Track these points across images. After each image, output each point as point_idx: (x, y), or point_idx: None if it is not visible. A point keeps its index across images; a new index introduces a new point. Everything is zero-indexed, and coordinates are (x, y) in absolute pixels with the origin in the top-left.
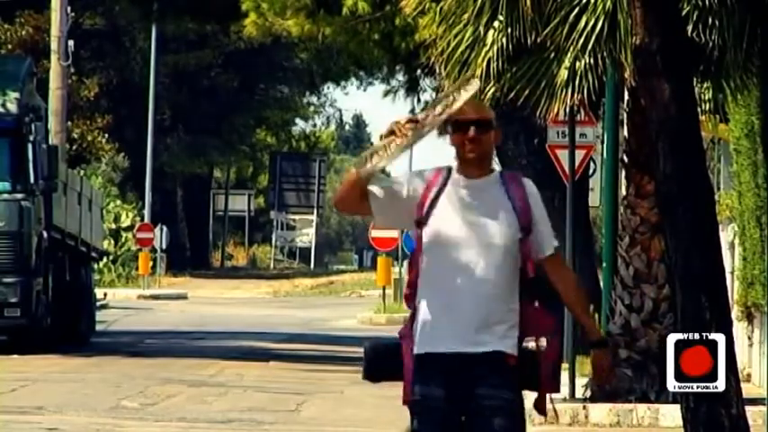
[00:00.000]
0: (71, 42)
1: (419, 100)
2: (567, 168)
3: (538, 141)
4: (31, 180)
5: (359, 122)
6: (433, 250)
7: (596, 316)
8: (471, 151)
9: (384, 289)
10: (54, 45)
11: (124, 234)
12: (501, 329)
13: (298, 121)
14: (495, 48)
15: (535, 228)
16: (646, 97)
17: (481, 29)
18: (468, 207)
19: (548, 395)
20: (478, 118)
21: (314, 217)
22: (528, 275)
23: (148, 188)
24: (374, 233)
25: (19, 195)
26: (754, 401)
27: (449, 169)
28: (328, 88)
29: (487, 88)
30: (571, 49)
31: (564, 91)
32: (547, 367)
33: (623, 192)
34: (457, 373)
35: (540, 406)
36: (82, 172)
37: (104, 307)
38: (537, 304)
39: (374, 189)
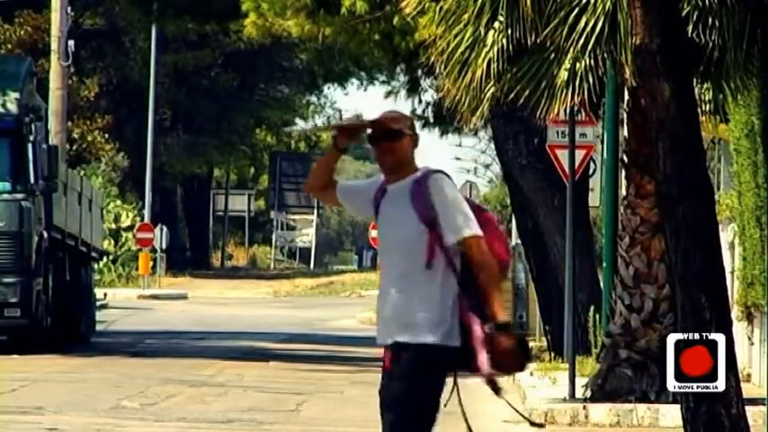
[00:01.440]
0: (71, 42)
1: (420, 100)
2: (567, 168)
3: (538, 141)
4: (32, 180)
5: None
6: (380, 253)
7: (596, 316)
8: (383, 162)
9: None
10: (54, 45)
11: (124, 234)
12: (418, 323)
13: (297, 121)
14: (496, 48)
15: (437, 220)
16: (646, 97)
17: (481, 29)
18: (385, 214)
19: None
20: (387, 129)
21: (314, 217)
22: (455, 267)
23: (148, 188)
24: (374, 233)
25: (19, 195)
26: (754, 401)
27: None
28: (328, 89)
29: (487, 88)
30: (571, 49)
31: (564, 91)
32: (478, 351)
33: (623, 192)
34: (388, 365)
35: (490, 387)
36: (82, 172)
37: (104, 307)
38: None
39: (339, 181)
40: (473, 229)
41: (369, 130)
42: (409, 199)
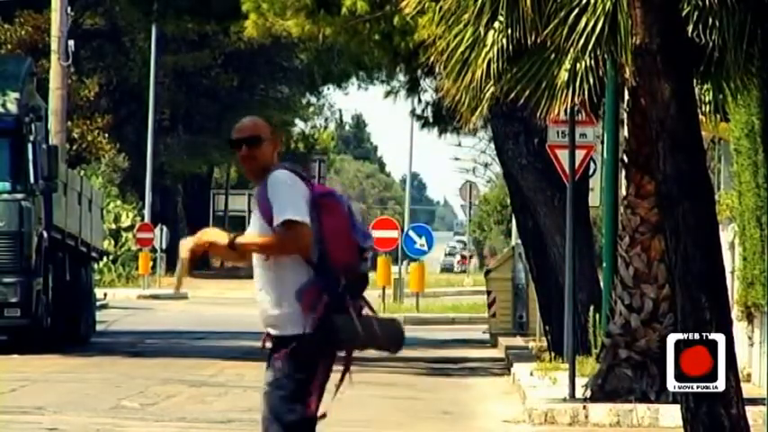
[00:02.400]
0: (71, 42)
1: (420, 100)
2: (567, 168)
3: (538, 141)
4: (31, 180)
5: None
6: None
7: (596, 316)
8: (245, 167)
9: (384, 289)
10: (54, 45)
11: (124, 234)
12: (276, 317)
13: (297, 121)
14: (496, 48)
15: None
16: (646, 97)
17: (481, 29)
18: (252, 216)
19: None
20: (247, 136)
21: None
22: (311, 261)
23: (148, 188)
24: (374, 233)
25: (19, 195)
26: (754, 401)
27: None
28: (328, 89)
29: (487, 88)
30: (571, 49)
31: (564, 92)
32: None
33: (623, 192)
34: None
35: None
36: (82, 172)
37: (104, 307)
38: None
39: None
40: (292, 215)
41: (232, 137)
42: (256, 200)
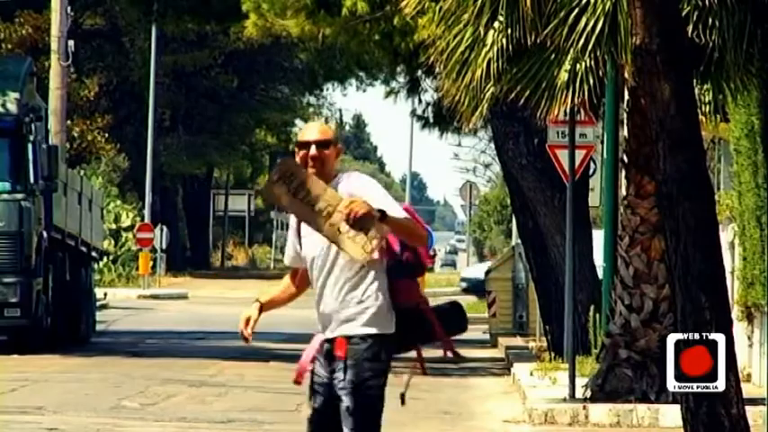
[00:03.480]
0: (71, 42)
1: (420, 100)
2: (567, 168)
3: (538, 141)
4: (31, 180)
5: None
6: (308, 263)
7: (596, 316)
8: (313, 167)
9: None
10: (54, 45)
11: (124, 234)
12: (350, 316)
13: (297, 121)
14: (496, 48)
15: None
16: (646, 97)
17: (481, 29)
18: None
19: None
20: (318, 139)
21: None
22: (396, 256)
23: (148, 188)
24: None
25: (19, 195)
26: (754, 401)
27: None
28: (328, 89)
29: (487, 88)
30: (571, 50)
31: (564, 92)
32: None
33: (623, 192)
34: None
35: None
36: (82, 172)
37: (104, 307)
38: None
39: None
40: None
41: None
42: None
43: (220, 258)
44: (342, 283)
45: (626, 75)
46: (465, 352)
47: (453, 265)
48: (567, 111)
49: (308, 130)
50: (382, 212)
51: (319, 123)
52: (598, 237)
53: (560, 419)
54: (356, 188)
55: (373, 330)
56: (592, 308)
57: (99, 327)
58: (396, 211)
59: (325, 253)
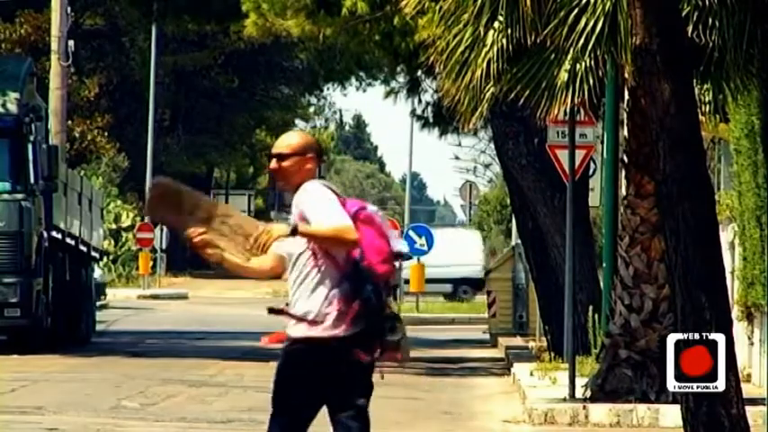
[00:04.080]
0: (71, 42)
1: (420, 100)
2: (566, 168)
3: (538, 141)
4: (31, 180)
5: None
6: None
7: (596, 316)
8: (275, 178)
9: None
10: (54, 45)
11: (124, 234)
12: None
13: (297, 121)
14: (495, 48)
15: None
16: (646, 97)
17: (481, 29)
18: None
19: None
20: (276, 153)
21: None
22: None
23: (148, 188)
24: None
25: (19, 195)
26: (754, 401)
27: None
28: (329, 89)
29: (487, 88)
30: (571, 50)
31: (564, 92)
32: None
33: (623, 192)
34: None
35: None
36: (82, 172)
37: (104, 307)
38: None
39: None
40: (339, 219)
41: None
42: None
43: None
44: (298, 284)
45: (626, 75)
46: (465, 352)
47: None
48: (567, 111)
49: (277, 142)
50: (294, 229)
51: (288, 135)
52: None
53: (560, 419)
54: (298, 200)
55: (299, 334)
56: (592, 308)
57: (99, 327)
58: (323, 220)
59: (297, 254)
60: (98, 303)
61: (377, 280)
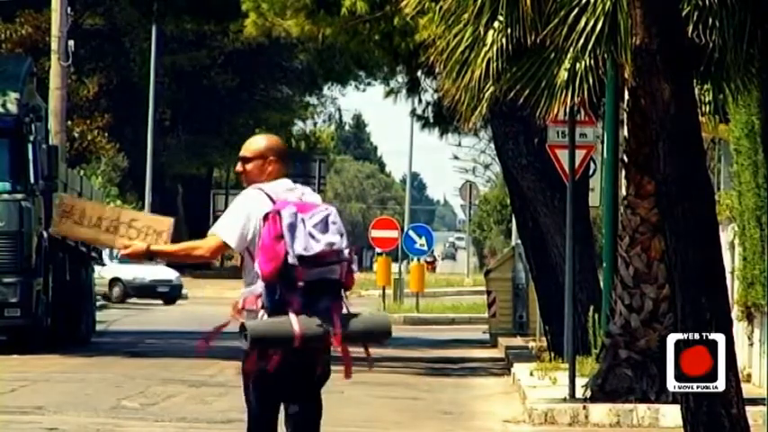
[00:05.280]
0: (71, 42)
1: (420, 100)
2: (566, 168)
3: (538, 141)
4: (31, 180)
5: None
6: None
7: (596, 316)
8: (243, 180)
9: (384, 289)
10: (54, 45)
11: None
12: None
13: (297, 121)
14: (495, 48)
15: None
16: (646, 97)
17: (481, 29)
18: None
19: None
20: (240, 155)
21: None
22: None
23: (148, 188)
24: (375, 233)
25: (19, 195)
26: (754, 401)
27: None
28: (329, 89)
29: (487, 88)
30: (571, 49)
31: (564, 92)
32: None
33: (623, 192)
34: None
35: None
36: (82, 172)
37: (104, 307)
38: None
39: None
40: (214, 228)
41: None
42: None
43: (220, 258)
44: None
45: (626, 75)
46: (465, 352)
47: (453, 257)
48: (567, 110)
49: (243, 145)
50: (147, 248)
51: (253, 139)
52: None
53: (560, 419)
54: None
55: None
56: (592, 308)
57: (99, 327)
58: (214, 227)
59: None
60: (98, 303)
61: (263, 279)
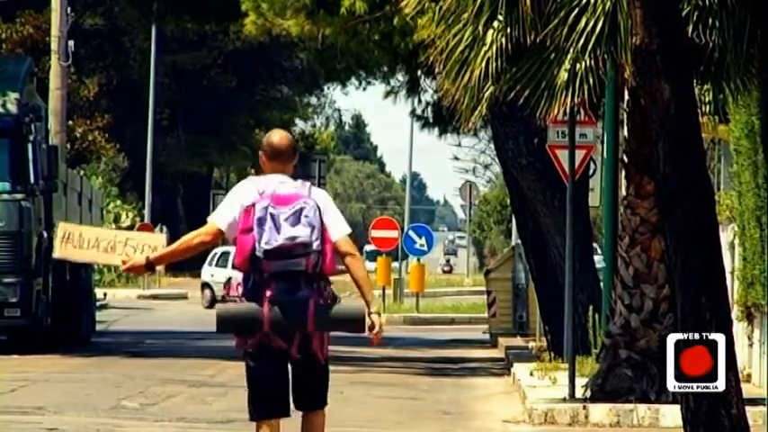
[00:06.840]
0: (71, 42)
1: (420, 100)
2: (566, 168)
3: (538, 141)
4: (31, 180)
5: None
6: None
7: (596, 316)
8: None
9: (384, 289)
10: (54, 45)
11: None
12: None
13: (297, 121)
14: (495, 48)
15: None
16: (646, 97)
17: (480, 28)
18: None
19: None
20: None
21: None
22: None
23: (148, 188)
24: (375, 233)
25: (19, 195)
26: (754, 401)
27: None
28: (328, 88)
29: (486, 88)
30: (571, 49)
31: (564, 92)
32: None
33: (623, 192)
34: None
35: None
36: (82, 172)
37: (104, 307)
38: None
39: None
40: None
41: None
42: None
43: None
44: None
45: (626, 75)
46: (465, 352)
47: (453, 253)
48: (567, 111)
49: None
50: (147, 259)
51: (270, 132)
52: None
53: (560, 419)
54: None
55: None
56: (592, 308)
57: (99, 327)
58: (214, 215)
59: None
60: (98, 303)
61: (236, 268)
